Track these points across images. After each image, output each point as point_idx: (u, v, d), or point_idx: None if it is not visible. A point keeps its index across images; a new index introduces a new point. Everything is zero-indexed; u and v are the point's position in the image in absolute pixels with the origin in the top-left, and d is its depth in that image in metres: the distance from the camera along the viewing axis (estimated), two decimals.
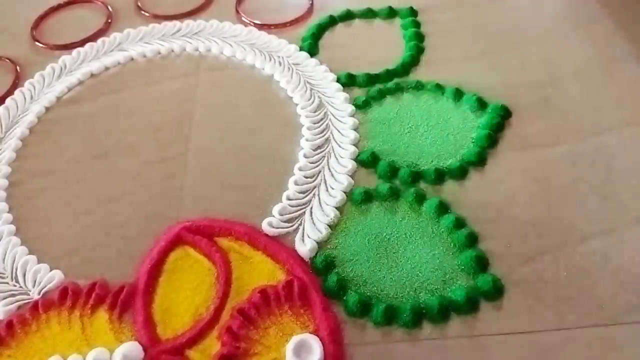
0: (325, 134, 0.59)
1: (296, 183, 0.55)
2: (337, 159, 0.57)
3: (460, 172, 0.54)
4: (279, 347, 0.44)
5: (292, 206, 0.53)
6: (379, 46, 0.69)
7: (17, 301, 0.49)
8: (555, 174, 0.53)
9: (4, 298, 0.49)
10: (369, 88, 0.64)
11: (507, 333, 0.44)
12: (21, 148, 0.62)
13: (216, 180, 0.57)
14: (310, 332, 0.44)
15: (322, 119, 0.61)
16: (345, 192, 0.54)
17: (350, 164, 0.56)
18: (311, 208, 0.53)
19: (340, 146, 0.58)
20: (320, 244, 0.50)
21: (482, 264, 0.47)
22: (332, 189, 0.54)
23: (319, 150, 0.58)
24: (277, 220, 0.52)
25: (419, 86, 0.63)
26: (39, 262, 0.51)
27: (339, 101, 0.62)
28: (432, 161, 0.56)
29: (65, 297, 0.48)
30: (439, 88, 0.62)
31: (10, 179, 0.59)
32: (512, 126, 0.58)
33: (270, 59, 0.68)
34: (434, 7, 0.73)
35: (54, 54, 0.72)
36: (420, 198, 0.52)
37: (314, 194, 0.54)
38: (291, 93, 0.64)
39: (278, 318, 0.45)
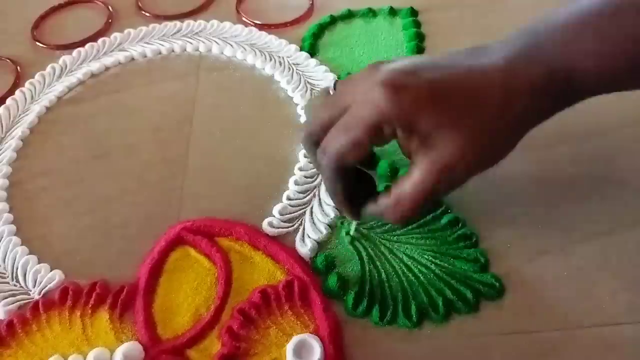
0: None
1: (296, 183, 0.55)
2: None
3: None
4: (279, 347, 0.44)
5: (292, 206, 0.53)
6: (380, 46, 0.69)
7: (18, 301, 0.49)
8: (555, 174, 0.53)
9: (5, 298, 0.49)
10: None
11: (507, 333, 0.44)
12: (22, 148, 0.62)
13: (216, 180, 0.57)
14: (311, 332, 0.44)
15: None
16: None
17: None
18: (311, 208, 0.53)
19: None
20: (321, 244, 0.50)
21: (482, 264, 0.47)
22: None
23: None
24: (278, 220, 0.52)
25: None
26: (40, 262, 0.51)
27: None
28: None
29: (66, 297, 0.48)
30: None
31: (10, 179, 0.59)
32: None
33: (271, 59, 0.68)
34: (434, 7, 0.72)
35: (54, 54, 0.72)
36: None
37: (314, 194, 0.54)
38: (291, 93, 0.64)
39: (278, 318, 0.45)
